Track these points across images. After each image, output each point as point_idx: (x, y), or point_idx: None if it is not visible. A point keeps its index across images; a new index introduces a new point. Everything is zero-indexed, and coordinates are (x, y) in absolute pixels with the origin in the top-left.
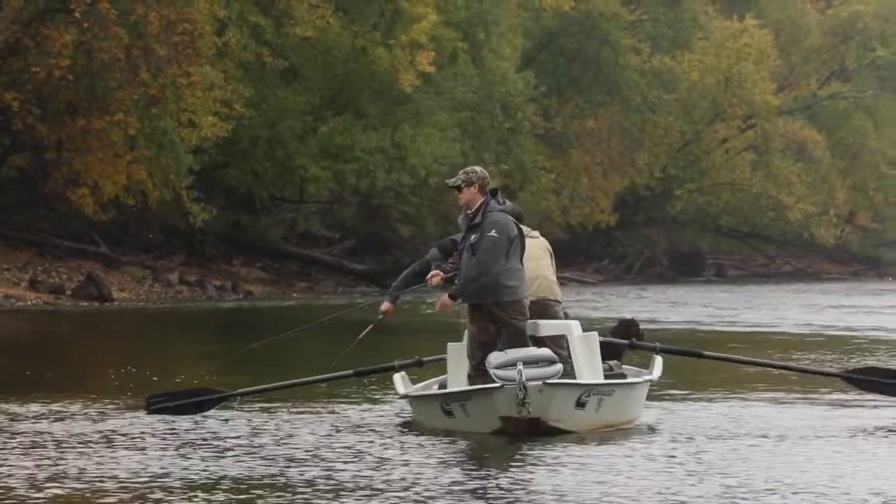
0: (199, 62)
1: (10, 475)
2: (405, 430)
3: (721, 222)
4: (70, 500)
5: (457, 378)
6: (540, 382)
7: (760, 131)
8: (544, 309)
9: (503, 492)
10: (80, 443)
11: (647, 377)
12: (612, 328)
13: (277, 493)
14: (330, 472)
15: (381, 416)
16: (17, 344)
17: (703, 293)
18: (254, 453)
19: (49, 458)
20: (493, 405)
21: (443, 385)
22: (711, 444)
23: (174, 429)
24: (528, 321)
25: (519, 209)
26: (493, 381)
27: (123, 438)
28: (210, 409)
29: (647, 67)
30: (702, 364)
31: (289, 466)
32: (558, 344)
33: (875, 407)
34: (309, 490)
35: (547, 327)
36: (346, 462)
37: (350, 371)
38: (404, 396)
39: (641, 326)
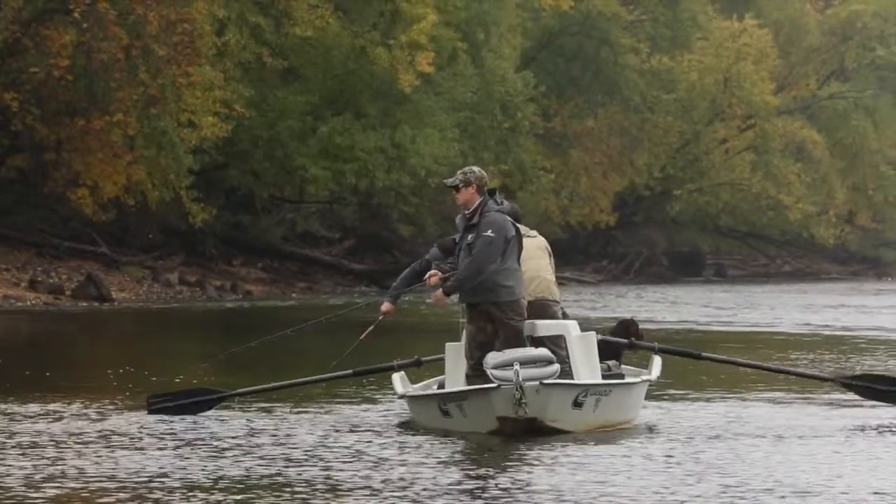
0: (198, 62)
1: (8, 475)
2: (404, 430)
3: (720, 222)
4: (69, 500)
5: (455, 378)
6: (537, 382)
7: (760, 131)
8: (542, 309)
9: (501, 492)
10: (78, 443)
11: (646, 377)
12: (612, 328)
13: (276, 493)
14: (328, 472)
15: (380, 416)
16: (17, 344)
17: (702, 293)
18: (253, 453)
19: (48, 458)
20: (490, 405)
21: (442, 385)
22: (710, 444)
23: (173, 429)
24: (526, 321)
25: (517, 208)
26: (491, 382)
27: (122, 438)
28: (209, 409)
29: (646, 67)
30: (700, 364)
31: (287, 466)
32: (556, 344)
33: (872, 407)
34: (307, 490)
35: (545, 327)
36: (344, 462)
37: (349, 371)
38: (402, 396)
39: (640, 326)
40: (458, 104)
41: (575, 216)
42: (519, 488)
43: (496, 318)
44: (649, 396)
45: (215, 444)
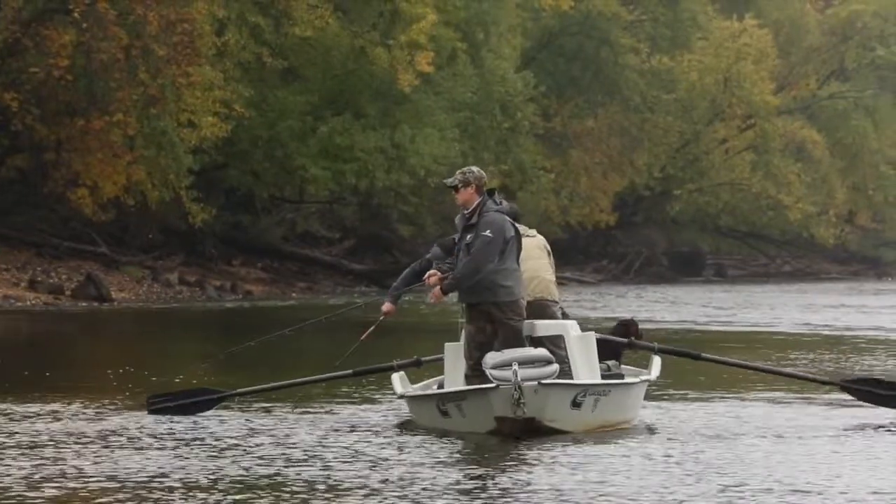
0: (198, 62)
1: (7, 475)
2: (403, 430)
3: (720, 222)
4: (68, 500)
5: (454, 378)
6: (535, 383)
7: (760, 131)
8: (541, 309)
9: (501, 491)
10: (78, 442)
11: (645, 377)
12: (612, 328)
13: (275, 493)
14: (328, 472)
15: (380, 416)
16: (16, 344)
17: (702, 293)
18: (252, 453)
19: (47, 458)
20: (489, 405)
21: (441, 385)
22: (709, 444)
23: (173, 429)
24: (525, 321)
25: (516, 208)
26: (490, 382)
27: (122, 438)
28: (209, 409)
29: (646, 67)
30: (700, 364)
31: (287, 466)
32: (556, 344)
33: (872, 407)
34: (307, 490)
35: (544, 327)
36: (343, 462)
37: (349, 371)
38: (402, 396)
39: (640, 326)
40: (458, 104)
41: (575, 216)
42: (518, 488)
43: (495, 319)
44: (649, 396)
45: (215, 443)
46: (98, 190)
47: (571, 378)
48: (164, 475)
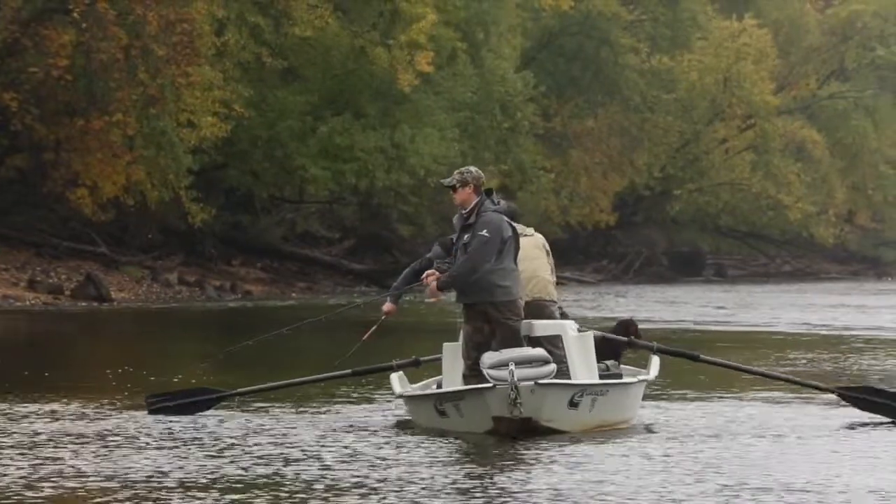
0: (197, 62)
1: (6, 475)
2: (402, 429)
3: (720, 222)
4: (67, 500)
5: (452, 378)
6: (532, 382)
7: (760, 131)
8: (539, 309)
9: (499, 491)
10: (77, 442)
11: (643, 377)
12: (612, 328)
13: (274, 493)
14: (326, 472)
15: (379, 415)
16: (16, 344)
17: (702, 293)
18: (251, 453)
19: (46, 458)
20: (486, 405)
21: (440, 385)
22: (708, 444)
23: (172, 428)
24: (523, 321)
25: (514, 207)
26: (487, 382)
27: (121, 438)
28: (209, 408)
29: (646, 67)
30: (698, 364)
31: (286, 466)
32: (554, 344)
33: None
34: (305, 489)
35: (542, 327)
36: (342, 461)
37: (348, 371)
38: (400, 396)
39: (639, 326)
40: (458, 104)
41: (575, 216)
42: (517, 488)
43: (493, 319)
44: (647, 396)
45: (214, 443)
46: (97, 190)
47: (569, 378)
48: (163, 475)
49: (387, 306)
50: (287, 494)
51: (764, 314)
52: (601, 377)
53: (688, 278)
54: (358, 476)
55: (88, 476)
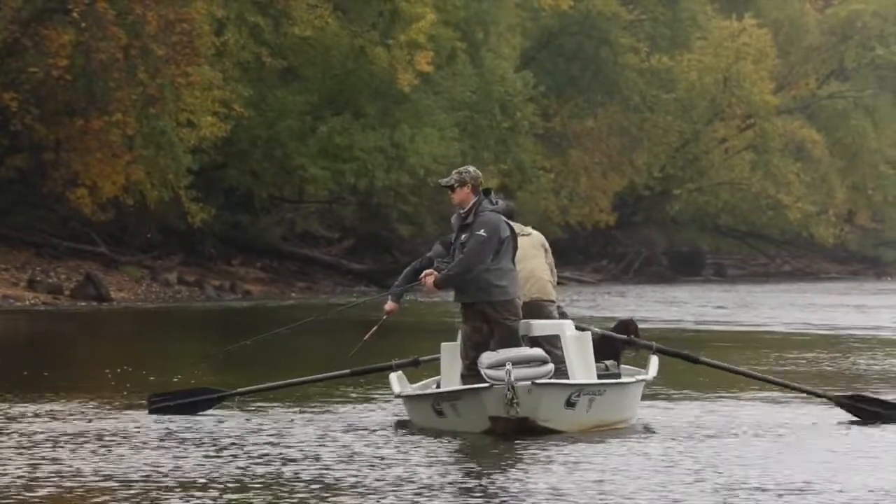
0: (197, 62)
1: (5, 474)
2: (400, 429)
3: (720, 222)
4: (66, 500)
5: (450, 378)
6: (528, 382)
7: (759, 131)
8: (538, 309)
9: (498, 490)
10: (76, 442)
11: (642, 377)
12: (611, 328)
13: (273, 492)
14: (325, 472)
15: (378, 415)
16: (15, 344)
17: (701, 293)
18: (250, 452)
19: (45, 457)
20: (483, 405)
21: (439, 385)
22: (707, 443)
23: (171, 428)
24: (522, 321)
25: (511, 206)
26: (485, 381)
27: (120, 438)
28: (209, 408)
29: (645, 67)
30: (698, 365)
31: (285, 465)
32: (552, 344)
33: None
34: (304, 489)
35: (540, 327)
36: (341, 461)
37: (347, 370)
38: (399, 396)
39: (639, 326)
40: (458, 104)
41: (575, 216)
42: (516, 487)
43: (491, 318)
44: (646, 396)
45: (213, 443)
46: (97, 190)
47: (567, 378)
48: (162, 474)
49: (389, 305)
50: (286, 494)
51: (763, 314)
52: (600, 377)
53: (687, 278)
54: (357, 476)
55: (87, 475)
